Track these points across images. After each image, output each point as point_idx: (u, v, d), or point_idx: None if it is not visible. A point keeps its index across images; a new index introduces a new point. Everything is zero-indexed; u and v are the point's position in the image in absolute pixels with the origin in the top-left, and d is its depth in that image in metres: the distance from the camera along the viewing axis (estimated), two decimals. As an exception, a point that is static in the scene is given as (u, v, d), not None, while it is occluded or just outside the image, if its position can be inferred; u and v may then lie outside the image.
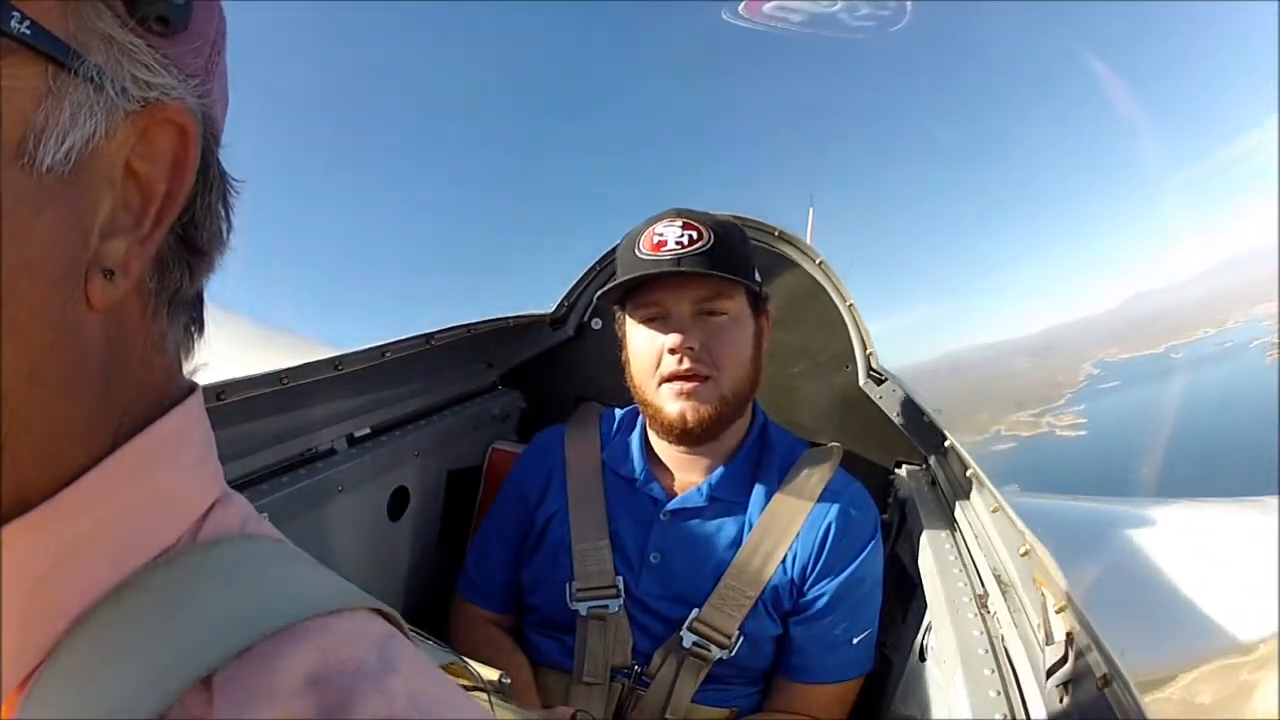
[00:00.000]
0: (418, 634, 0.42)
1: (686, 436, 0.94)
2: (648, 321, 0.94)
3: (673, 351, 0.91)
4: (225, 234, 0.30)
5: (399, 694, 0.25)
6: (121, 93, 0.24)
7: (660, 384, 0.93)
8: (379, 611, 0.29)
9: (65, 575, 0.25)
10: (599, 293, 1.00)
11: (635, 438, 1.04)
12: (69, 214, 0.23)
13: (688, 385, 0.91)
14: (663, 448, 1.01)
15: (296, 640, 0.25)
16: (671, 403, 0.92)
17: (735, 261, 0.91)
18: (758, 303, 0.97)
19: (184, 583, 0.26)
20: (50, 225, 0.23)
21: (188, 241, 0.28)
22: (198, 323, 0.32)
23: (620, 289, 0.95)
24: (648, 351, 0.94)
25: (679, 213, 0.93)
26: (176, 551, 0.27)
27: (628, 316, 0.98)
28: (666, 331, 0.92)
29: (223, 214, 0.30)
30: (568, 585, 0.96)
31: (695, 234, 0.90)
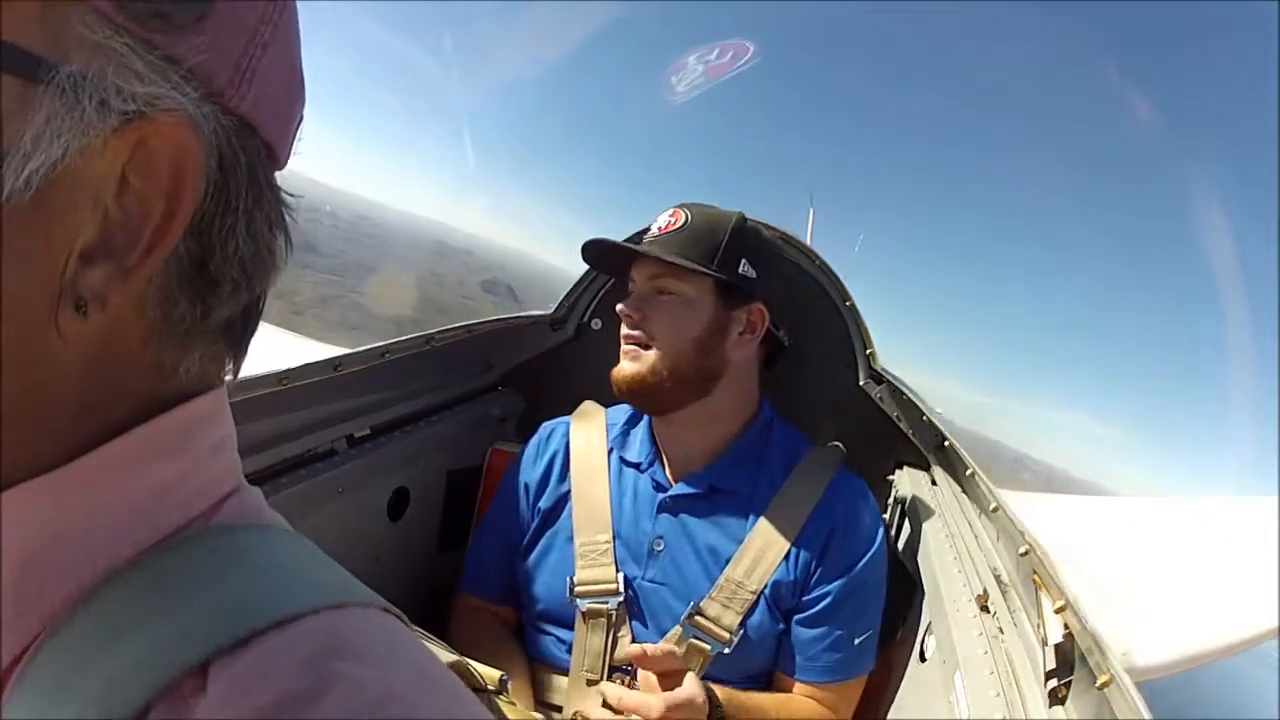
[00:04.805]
0: (422, 634, 0.42)
1: (626, 394, 1.00)
2: (627, 294, 1.02)
3: (625, 317, 0.99)
4: (263, 258, 0.27)
5: (401, 683, 0.25)
6: (100, 106, 0.21)
7: (619, 346, 1.01)
8: (386, 611, 0.29)
9: (59, 552, 0.24)
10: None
11: (641, 426, 1.06)
12: (28, 243, 0.21)
13: (628, 347, 0.99)
14: (664, 434, 1.03)
15: (300, 633, 0.24)
16: (620, 361, 1.00)
17: (699, 250, 0.96)
18: (731, 294, 0.97)
19: (192, 566, 0.26)
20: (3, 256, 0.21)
21: (203, 269, 0.25)
22: (232, 351, 0.29)
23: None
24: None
25: (684, 204, 1.01)
26: (188, 535, 0.27)
27: None
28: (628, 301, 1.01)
29: (259, 237, 0.27)
30: (568, 580, 0.96)
31: (674, 220, 0.99)
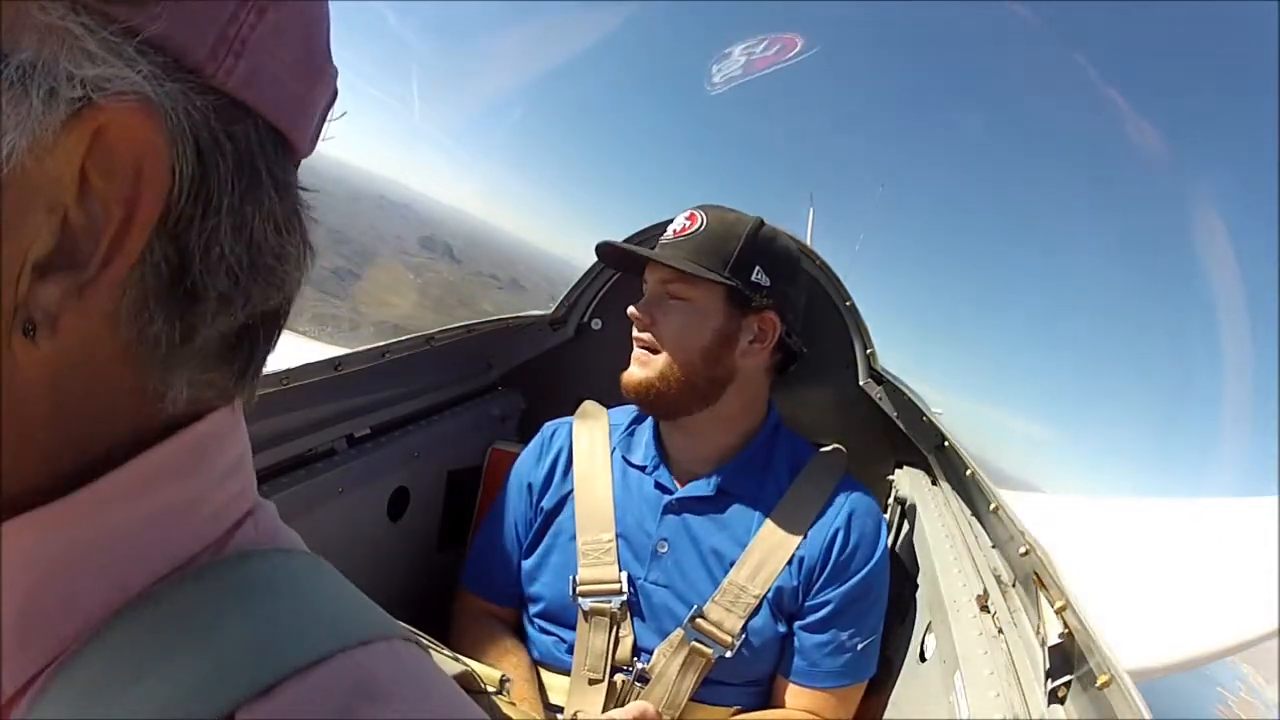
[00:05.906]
0: (426, 641, 0.42)
1: (634, 399, 1.00)
2: (640, 294, 1.02)
3: (635, 319, 0.98)
4: (265, 266, 0.23)
5: None
6: (49, 97, 0.18)
7: (628, 347, 1.01)
8: (408, 640, 0.28)
9: (65, 582, 0.23)
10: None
11: (646, 427, 1.05)
12: None
13: (638, 351, 0.99)
14: (671, 437, 1.03)
15: (327, 675, 0.23)
16: (630, 365, 1.00)
17: (712, 256, 0.95)
18: (743, 302, 0.96)
19: (210, 599, 0.24)
20: None
21: (181, 280, 0.22)
22: (235, 377, 0.25)
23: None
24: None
25: (702, 206, 1.00)
26: (204, 564, 0.25)
27: None
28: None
29: (256, 241, 0.23)
30: (571, 579, 0.96)
31: (690, 223, 0.98)
